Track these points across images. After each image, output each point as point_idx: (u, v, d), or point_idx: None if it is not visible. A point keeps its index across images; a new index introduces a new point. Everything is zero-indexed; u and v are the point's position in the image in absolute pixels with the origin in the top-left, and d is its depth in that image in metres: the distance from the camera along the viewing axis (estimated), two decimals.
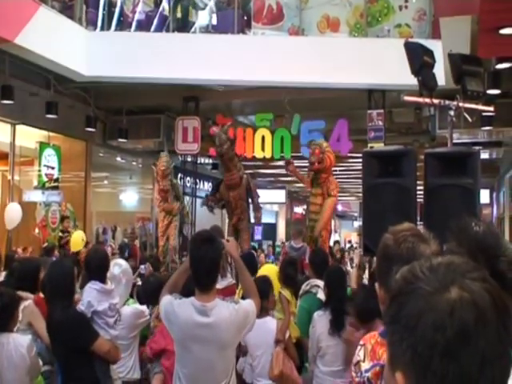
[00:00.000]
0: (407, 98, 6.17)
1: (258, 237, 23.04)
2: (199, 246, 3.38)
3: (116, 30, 12.01)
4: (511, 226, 16.14)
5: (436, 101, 5.19)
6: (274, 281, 5.51)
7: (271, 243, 22.48)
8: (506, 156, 15.29)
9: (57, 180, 12.81)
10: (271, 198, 23.76)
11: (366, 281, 8.53)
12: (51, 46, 9.77)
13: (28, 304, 4.47)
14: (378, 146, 9.82)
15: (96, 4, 11.69)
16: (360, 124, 11.53)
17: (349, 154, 11.87)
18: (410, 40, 6.06)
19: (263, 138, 11.86)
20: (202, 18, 12.60)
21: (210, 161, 16.62)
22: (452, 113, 5.17)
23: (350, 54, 10.46)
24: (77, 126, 12.73)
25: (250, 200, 9.84)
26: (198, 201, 13.98)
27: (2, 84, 10.16)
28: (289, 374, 4.82)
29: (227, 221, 18.36)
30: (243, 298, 3.89)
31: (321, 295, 5.37)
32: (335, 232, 31.57)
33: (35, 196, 12.27)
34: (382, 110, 11.18)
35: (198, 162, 13.83)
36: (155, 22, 12.25)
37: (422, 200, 4.64)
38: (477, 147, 10.14)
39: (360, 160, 4.94)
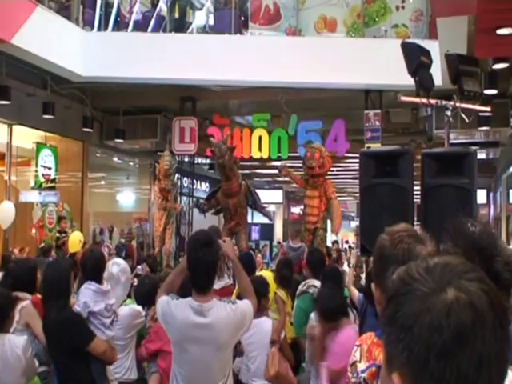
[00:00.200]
0: (404, 99, 6.16)
1: (255, 237, 23.04)
2: (197, 248, 3.36)
3: (113, 30, 12.00)
4: (508, 226, 16.15)
5: (433, 101, 5.20)
6: (269, 282, 5.52)
7: (268, 243, 22.46)
8: (503, 156, 15.31)
9: (53, 180, 12.79)
10: (268, 199, 23.73)
11: (363, 281, 8.55)
12: (48, 47, 9.76)
13: (26, 304, 4.46)
14: (375, 147, 9.82)
15: (93, 4, 11.67)
16: (357, 124, 11.54)
17: (346, 155, 11.88)
18: (407, 40, 6.07)
19: (260, 138, 11.86)
20: (199, 18, 12.59)
21: (207, 161, 16.61)
22: (449, 113, 5.17)
23: (347, 54, 10.47)
24: (73, 127, 12.72)
25: (251, 204, 9.93)
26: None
27: None
28: (284, 375, 4.81)
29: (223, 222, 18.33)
30: (239, 297, 3.88)
31: None
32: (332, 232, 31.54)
33: (32, 196, 12.25)
34: (379, 111, 11.19)
35: (195, 162, 13.80)
36: (152, 22, 12.24)
37: (419, 200, 4.64)
38: (474, 147, 10.16)
39: (357, 160, 4.94)
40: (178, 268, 3.69)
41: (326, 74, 10.34)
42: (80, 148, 13.73)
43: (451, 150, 5.01)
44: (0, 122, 11.29)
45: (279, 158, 12.51)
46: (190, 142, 12.48)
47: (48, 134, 12.62)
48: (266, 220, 25.43)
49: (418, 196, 4.62)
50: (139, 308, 5.26)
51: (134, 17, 12.34)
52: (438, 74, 6.78)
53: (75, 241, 10.52)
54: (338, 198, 10.68)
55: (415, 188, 4.61)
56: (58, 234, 12.13)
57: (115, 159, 16.33)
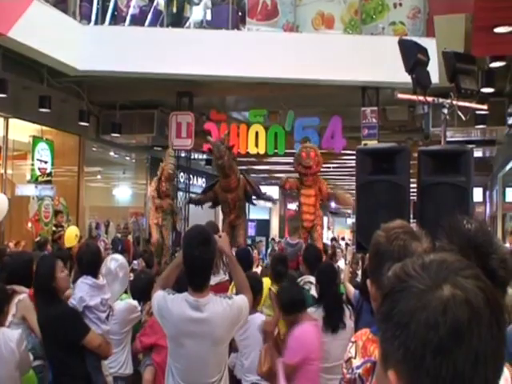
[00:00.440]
0: (401, 96, 6.18)
1: (251, 233, 23.03)
2: (194, 246, 3.34)
3: (110, 24, 11.97)
4: (504, 224, 16.20)
5: (430, 99, 5.20)
6: (265, 280, 5.55)
7: (263, 239, 22.47)
8: (500, 154, 15.34)
9: (50, 174, 12.78)
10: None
11: (359, 277, 8.56)
12: (45, 40, 9.74)
13: (22, 298, 4.46)
14: (372, 144, 9.84)
15: None
16: (354, 121, 11.54)
17: (342, 152, 11.89)
18: (405, 38, 6.06)
19: (257, 134, 11.87)
20: (197, 13, 12.56)
21: (204, 156, 16.60)
22: (445, 111, 5.18)
23: (345, 51, 10.47)
24: (70, 121, 12.69)
25: (253, 196, 9.98)
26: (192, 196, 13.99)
27: None
28: (277, 371, 4.82)
29: (221, 216, 18.43)
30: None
31: (314, 292, 5.38)
32: (328, 229, 31.63)
33: (28, 190, 12.23)
34: (375, 108, 11.19)
35: (192, 157, 13.80)
36: (149, 16, 12.22)
37: (415, 198, 4.65)
38: (470, 145, 10.16)
39: (354, 157, 4.94)
40: (174, 263, 3.68)
41: (323, 71, 10.34)
42: (76, 142, 13.71)
43: (448, 147, 5.02)
44: None
45: (276, 154, 12.52)
46: (186, 138, 12.46)
47: (44, 128, 12.60)
48: (262, 216, 25.49)
49: (415, 193, 4.63)
50: (135, 303, 5.27)
51: (131, 11, 12.31)
52: (435, 71, 6.79)
53: (71, 235, 10.52)
54: None
55: (412, 185, 4.62)
56: (54, 228, 12.14)
57: (111, 153, 16.31)
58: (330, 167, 16.67)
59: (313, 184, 9.90)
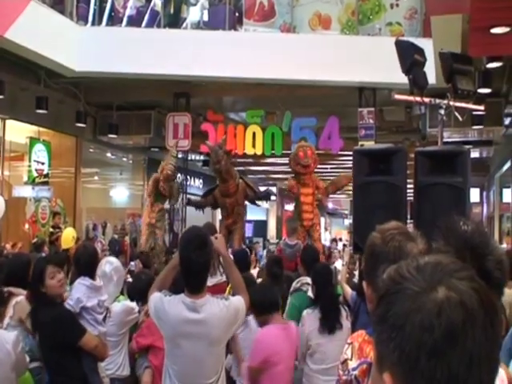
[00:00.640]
0: (398, 97, 6.19)
1: (248, 233, 23.03)
2: (190, 250, 3.34)
3: (107, 25, 11.97)
4: (501, 224, 16.22)
5: (426, 99, 5.21)
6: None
7: (260, 240, 22.46)
8: (497, 155, 15.37)
9: (47, 175, 12.77)
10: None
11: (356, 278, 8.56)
12: (42, 41, 9.73)
13: (20, 300, 4.45)
14: (369, 144, 9.85)
15: None
16: (351, 122, 11.55)
17: (339, 152, 11.89)
18: (401, 38, 6.06)
19: (254, 134, 11.87)
20: (194, 13, 12.57)
21: (201, 157, 16.60)
22: (442, 111, 5.19)
23: (342, 51, 10.48)
24: (67, 122, 12.69)
25: (254, 198, 9.99)
26: (189, 197, 13.97)
27: None
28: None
29: (219, 218, 18.43)
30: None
31: (311, 293, 5.38)
32: (326, 229, 31.66)
33: (25, 191, 12.22)
34: (372, 108, 11.20)
35: (189, 158, 13.79)
36: (146, 17, 12.22)
37: (412, 198, 4.65)
38: (467, 146, 10.18)
39: (351, 158, 4.94)
40: (170, 265, 3.67)
41: (320, 71, 10.35)
42: (73, 143, 13.71)
43: (444, 148, 5.02)
44: None
45: (273, 155, 12.53)
46: (183, 138, 12.46)
47: (41, 129, 12.59)
48: (259, 217, 25.49)
49: (412, 194, 4.64)
50: (132, 304, 5.26)
51: (128, 12, 12.31)
52: (431, 72, 6.80)
53: (68, 237, 10.50)
54: (332, 196, 10.81)
55: (408, 186, 4.62)
56: (51, 229, 12.11)
57: (108, 155, 16.30)
58: (327, 168, 16.69)
59: (310, 182, 9.93)
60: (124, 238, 14.27)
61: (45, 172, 12.71)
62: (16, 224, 12.18)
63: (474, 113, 10.28)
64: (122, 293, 5.89)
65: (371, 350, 1.70)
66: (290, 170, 10.75)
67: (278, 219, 27.48)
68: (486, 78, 9.17)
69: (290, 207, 29.07)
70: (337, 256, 13.41)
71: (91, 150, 14.97)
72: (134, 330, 5.17)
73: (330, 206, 31.57)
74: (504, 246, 13.72)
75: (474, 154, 14.86)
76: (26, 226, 12.08)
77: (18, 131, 12.13)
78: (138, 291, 5.35)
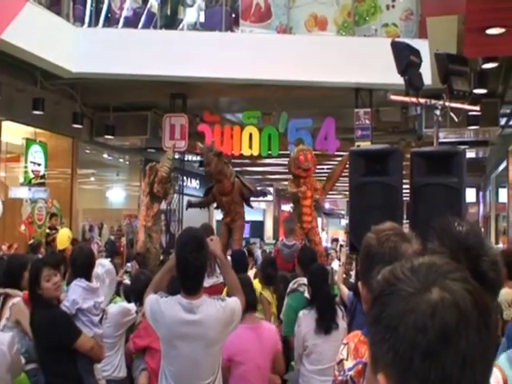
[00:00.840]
0: (394, 97, 6.19)
1: (245, 234, 23.01)
2: (187, 252, 3.34)
3: (103, 26, 11.95)
4: (497, 224, 16.26)
5: (422, 100, 5.22)
6: (256, 284, 5.56)
7: (257, 241, 22.47)
8: (492, 155, 15.40)
9: (43, 177, 12.75)
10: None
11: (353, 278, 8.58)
12: (38, 42, 9.71)
13: (17, 301, 4.45)
14: (365, 145, 9.86)
15: (83, 0, 11.62)
16: (347, 123, 11.56)
17: (336, 153, 11.90)
18: (397, 39, 6.07)
19: (251, 135, 11.87)
20: (190, 15, 12.57)
21: (198, 158, 16.59)
22: (438, 112, 5.20)
23: (338, 52, 10.48)
24: (63, 123, 12.67)
25: (249, 197, 10.00)
26: (186, 198, 13.95)
27: None
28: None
29: (216, 219, 18.43)
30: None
31: (308, 294, 5.39)
32: (322, 230, 31.66)
33: (21, 193, 12.20)
34: (369, 109, 11.21)
35: (186, 159, 13.79)
36: (143, 18, 12.21)
37: (408, 199, 4.66)
38: (463, 146, 10.20)
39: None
40: (166, 267, 3.67)
41: (316, 72, 10.36)
42: (70, 144, 13.68)
43: (440, 149, 5.04)
44: None
45: (270, 156, 12.53)
46: (180, 139, 12.45)
47: (38, 130, 12.57)
48: (256, 217, 25.50)
49: (408, 194, 4.65)
50: (129, 306, 5.26)
51: (124, 13, 12.29)
52: (427, 73, 6.82)
53: (63, 237, 10.49)
54: (328, 196, 10.82)
55: (404, 187, 4.64)
56: (48, 231, 12.09)
57: (105, 156, 16.28)
58: (323, 168, 16.69)
59: (309, 185, 9.95)
60: (120, 239, 14.25)
61: (41, 173, 12.69)
62: (12, 225, 12.16)
63: (470, 113, 10.31)
64: (118, 294, 5.89)
65: (367, 350, 1.71)
66: (286, 170, 10.75)
67: (274, 220, 27.49)
68: (481, 79, 9.19)
69: (286, 208, 29.10)
70: (333, 256, 13.44)
71: (88, 151, 14.95)
72: (131, 331, 5.18)
73: (327, 206, 31.59)
74: (500, 245, 13.76)
75: (470, 154, 14.88)
76: (23, 227, 12.07)
77: (14, 132, 12.10)
78: (136, 292, 5.36)
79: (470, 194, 20.26)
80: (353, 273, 9.05)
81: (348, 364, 1.78)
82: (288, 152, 11.56)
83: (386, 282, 0.98)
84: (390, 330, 0.93)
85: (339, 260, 11.56)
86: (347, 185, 5.04)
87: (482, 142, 13.53)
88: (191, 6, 12.68)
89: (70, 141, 13.62)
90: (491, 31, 6.48)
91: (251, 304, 4.38)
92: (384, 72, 7.98)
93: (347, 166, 6.31)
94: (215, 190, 9.82)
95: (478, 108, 8.82)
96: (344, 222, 33.75)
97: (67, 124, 12.66)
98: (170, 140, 12.44)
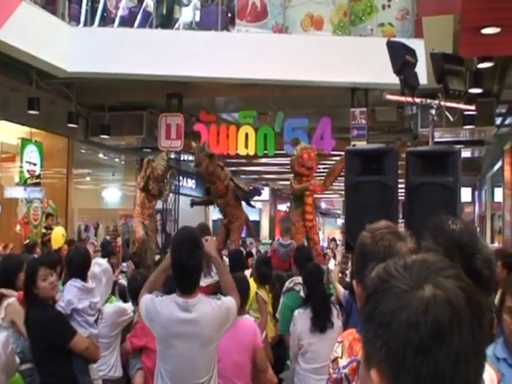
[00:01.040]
0: (389, 97, 6.21)
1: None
2: (182, 252, 3.34)
3: (99, 25, 11.93)
4: (493, 224, 16.29)
5: (418, 100, 5.23)
6: (251, 283, 5.56)
7: (253, 241, 22.42)
8: (488, 155, 15.43)
9: (39, 176, 12.73)
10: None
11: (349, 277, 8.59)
12: (33, 42, 9.69)
13: (11, 302, 4.44)
14: (361, 145, 9.88)
15: None
16: (343, 122, 11.57)
17: (332, 152, 11.90)
18: (393, 39, 6.09)
19: (247, 135, 11.87)
20: (186, 14, 12.56)
21: (194, 158, 16.55)
22: (433, 112, 5.21)
23: (334, 52, 10.49)
24: (59, 122, 12.65)
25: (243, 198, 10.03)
26: (182, 198, 13.96)
27: None
28: (266, 374, 4.85)
29: (211, 217, 18.40)
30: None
31: (303, 293, 5.40)
32: (318, 229, 31.65)
33: (17, 192, 12.18)
34: (364, 109, 11.22)
35: (182, 158, 13.78)
36: (139, 17, 12.19)
37: (403, 198, 4.67)
38: (458, 146, 10.20)
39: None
40: (161, 267, 3.66)
41: (312, 72, 10.36)
42: (65, 144, 13.65)
43: (435, 148, 5.05)
44: None
45: (266, 155, 12.53)
46: (176, 139, 12.45)
47: (33, 130, 12.55)
48: (252, 217, 25.47)
49: (403, 194, 4.65)
50: (124, 306, 5.27)
51: (120, 12, 12.28)
52: (423, 72, 6.82)
53: (58, 236, 10.49)
54: (324, 196, 10.83)
55: (400, 186, 4.65)
56: (44, 230, 12.08)
57: (101, 155, 16.26)
58: (319, 168, 16.69)
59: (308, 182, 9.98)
60: (116, 239, 14.25)
61: (37, 173, 12.66)
62: (8, 225, 12.14)
63: (466, 113, 10.32)
64: (113, 294, 5.89)
65: (361, 348, 1.71)
66: (282, 170, 10.77)
67: (270, 219, 27.48)
68: (477, 78, 9.20)
69: (282, 207, 29.11)
70: (330, 256, 13.43)
71: (83, 151, 14.92)
72: (128, 330, 5.18)
73: (323, 205, 31.63)
74: (496, 244, 13.79)
75: (466, 153, 14.91)
76: (18, 227, 12.04)
77: (9, 132, 12.08)
78: (133, 292, 5.35)
79: (466, 194, 20.29)
80: (348, 272, 9.06)
81: (343, 362, 1.78)
82: (284, 151, 11.58)
83: (380, 279, 0.99)
84: (382, 327, 0.93)
85: (335, 259, 11.58)
86: (343, 184, 5.05)
87: (477, 142, 13.56)
88: (187, 5, 12.67)
89: (65, 140, 13.59)
90: (487, 31, 6.49)
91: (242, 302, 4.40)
92: (380, 72, 8.00)
93: None
94: (211, 191, 9.86)
95: (473, 107, 8.84)
96: (340, 221, 33.76)
97: (62, 124, 12.64)
98: (165, 140, 12.44)
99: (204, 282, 5.28)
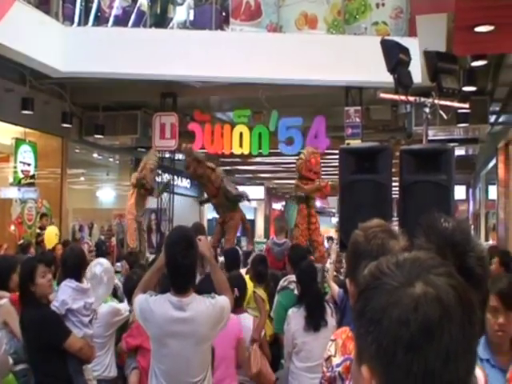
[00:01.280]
0: (383, 95, 6.22)
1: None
2: (176, 250, 3.34)
3: (93, 25, 11.90)
4: (487, 222, 16.33)
5: (412, 98, 5.24)
6: (248, 281, 5.57)
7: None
8: (482, 153, 15.47)
9: (33, 177, 12.69)
10: (249, 195, 23.75)
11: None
12: (27, 42, 9.65)
13: (4, 303, 4.44)
14: (355, 143, 9.88)
15: None
16: (337, 121, 11.58)
17: (326, 151, 11.91)
18: (386, 38, 6.09)
19: (241, 134, 11.88)
20: (180, 13, 12.54)
21: None
22: (427, 110, 5.21)
23: (328, 51, 10.48)
24: (53, 122, 12.61)
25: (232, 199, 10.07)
26: (176, 197, 13.95)
27: None
28: (265, 372, 4.87)
29: (206, 216, 18.40)
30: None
31: (297, 291, 5.41)
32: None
33: (11, 193, 12.14)
34: (359, 107, 11.23)
35: (176, 158, 13.77)
36: (133, 17, 12.17)
37: (397, 196, 4.68)
38: (452, 144, 10.22)
39: (337, 157, 4.96)
40: (155, 267, 3.66)
41: (306, 71, 10.36)
42: (59, 144, 13.61)
43: (429, 146, 5.06)
44: None
45: (260, 154, 12.54)
46: (170, 138, 12.44)
47: (27, 130, 12.51)
48: (247, 216, 25.47)
49: (397, 192, 4.66)
50: (119, 306, 5.26)
51: (114, 12, 12.24)
52: (417, 71, 6.83)
53: (51, 235, 10.48)
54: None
55: (394, 184, 4.65)
56: (38, 231, 12.05)
57: (95, 155, 16.22)
58: None
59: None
60: (111, 239, 14.24)
61: (31, 173, 12.63)
62: (2, 225, 12.11)
63: (459, 111, 10.34)
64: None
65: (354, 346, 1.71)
66: (277, 169, 10.77)
67: (265, 218, 27.47)
68: (470, 77, 9.23)
69: (277, 206, 29.09)
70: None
71: (77, 151, 14.88)
72: (124, 330, 5.17)
73: (318, 204, 31.60)
74: (490, 242, 13.82)
75: (460, 151, 14.94)
76: (12, 227, 12.01)
77: (3, 132, 12.05)
78: (128, 291, 5.35)
79: (460, 192, 20.33)
80: (343, 270, 9.06)
81: (336, 360, 1.78)
82: (278, 150, 11.60)
83: (372, 276, 0.99)
84: (373, 323, 0.93)
85: (329, 258, 11.58)
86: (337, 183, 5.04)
87: (471, 140, 13.59)
88: (181, 4, 12.64)
89: (59, 140, 13.55)
90: (480, 29, 6.50)
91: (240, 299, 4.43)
92: (374, 70, 7.99)
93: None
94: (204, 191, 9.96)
95: (467, 106, 8.86)
96: (335, 220, 33.77)
97: (57, 123, 12.60)
98: (160, 139, 12.43)
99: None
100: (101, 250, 9.67)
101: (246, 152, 11.97)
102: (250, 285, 5.64)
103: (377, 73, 7.34)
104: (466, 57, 8.54)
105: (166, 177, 13.95)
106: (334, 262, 8.45)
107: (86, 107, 13.80)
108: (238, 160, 16.73)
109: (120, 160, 17.23)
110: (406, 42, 6.00)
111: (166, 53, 10.75)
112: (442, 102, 5.53)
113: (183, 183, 18.60)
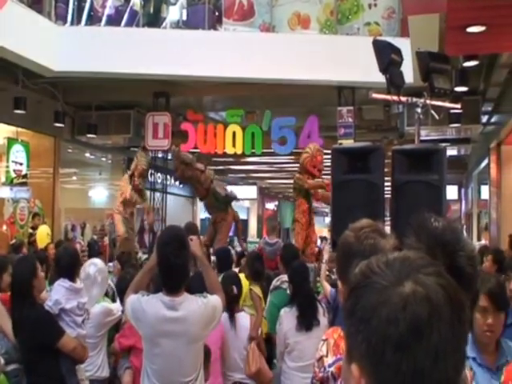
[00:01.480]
0: (375, 96, 6.23)
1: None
2: (168, 249, 3.34)
3: (86, 24, 11.88)
4: (479, 221, 16.38)
5: (404, 98, 5.24)
6: (243, 280, 5.57)
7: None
8: (474, 153, 15.52)
9: (25, 176, 12.65)
10: (242, 194, 23.77)
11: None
12: (20, 41, 9.61)
13: None
14: (348, 143, 9.89)
15: None
16: (330, 121, 11.60)
17: None
18: (379, 38, 6.10)
19: (234, 134, 11.87)
20: (173, 13, 12.53)
21: None
22: (419, 110, 5.23)
23: (321, 51, 10.50)
24: (45, 122, 12.58)
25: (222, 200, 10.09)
26: (169, 197, 13.94)
27: None
28: (264, 371, 4.89)
29: (199, 216, 18.41)
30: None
31: (289, 291, 5.41)
32: None
33: (3, 192, 12.11)
34: (351, 107, 11.25)
35: (169, 158, 13.76)
36: (125, 16, 12.15)
37: (389, 196, 4.69)
38: (445, 144, 10.26)
39: (330, 156, 4.97)
40: (147, 267, 3.66)
41: (299, 71, 10.37)
42: (52, 143, 13.57)
43: (421, 146, 5.07)
44: None
45: (253, 154, 12.54)
46: (163, 138, 12.42)
47: (19, 130, 12.47)
48: (241, 216, 25.46)
49: (389, 192, 4.67)
50: (111, 306, 5.25)
51: (107, 11, 12.22)
52: (409, 71, 6.85)
53: (43, 235, 10.45)
54: None
55: (386, 184, 4.66)
56: (30, 231, 12.02)
57: (87, 155, 16.18)
58: None
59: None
60: (103, 239, 14.21)
61: (23, 173, 12.59)
62: None
63: (452, 111, 10.38)
64: None
65: None
66: (270, 169, 10.78)
67: (258, 218, 27.48)
68: (462, 77, 9.26)
69: (270, 206, 29.12)
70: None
71: (70, 151, 14.84)
72: (117, 331, 5.17)
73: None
74: (482, 241, 13.86)
75: (452, 151, 14.99)
76: (4, 227, 11.97)
77: None
78: (121, 292, 5.34)
79: (452, 192, 20.40)
80: (335, 270, 9.07)
81: (328, 360, 1.78)
82: (271, 150, 11.61)
83: (362, 275, 1.00)
84: (363, 322, 0.94)
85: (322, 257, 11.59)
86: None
87: (463, 140, 13.63)
88: (174, 4, 12.64)
89: (51, 140, 13.51)
90: (472, 29, 6.52)
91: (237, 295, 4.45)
92: (366, 70, 8.01)
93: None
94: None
95: (459, 106, 8.89)
96: (327, 220, 33.82)
97: (49, 123, 12.57)
98: (153, 139, 12.41)
99: None
100: (93, 250, 9.65)
101: (239, 152, 11.96)
102: (245, 283, 5.65)
103: (369, 73, 7.36)
104: (458, 57, 8.57)
105: (159, 176, 13.95)
106: (327, 261, 8.47)
107: (79, 107, 13.77)
108: (230, 160, 16.73)
109: (112, 160, 17.19)
110: (398, 42, 6.02)
111: (159, 52, 10.74)
112: (434, 103, 5.55)
113: (176, 183, 18.58)
